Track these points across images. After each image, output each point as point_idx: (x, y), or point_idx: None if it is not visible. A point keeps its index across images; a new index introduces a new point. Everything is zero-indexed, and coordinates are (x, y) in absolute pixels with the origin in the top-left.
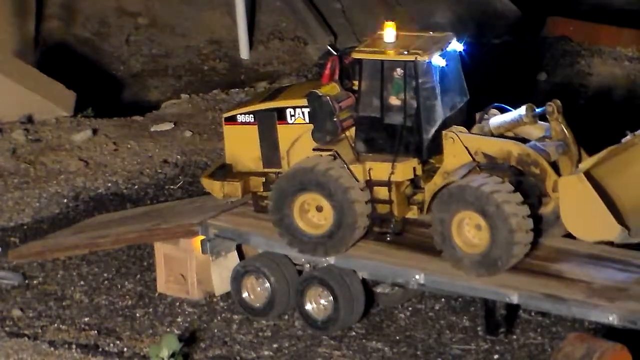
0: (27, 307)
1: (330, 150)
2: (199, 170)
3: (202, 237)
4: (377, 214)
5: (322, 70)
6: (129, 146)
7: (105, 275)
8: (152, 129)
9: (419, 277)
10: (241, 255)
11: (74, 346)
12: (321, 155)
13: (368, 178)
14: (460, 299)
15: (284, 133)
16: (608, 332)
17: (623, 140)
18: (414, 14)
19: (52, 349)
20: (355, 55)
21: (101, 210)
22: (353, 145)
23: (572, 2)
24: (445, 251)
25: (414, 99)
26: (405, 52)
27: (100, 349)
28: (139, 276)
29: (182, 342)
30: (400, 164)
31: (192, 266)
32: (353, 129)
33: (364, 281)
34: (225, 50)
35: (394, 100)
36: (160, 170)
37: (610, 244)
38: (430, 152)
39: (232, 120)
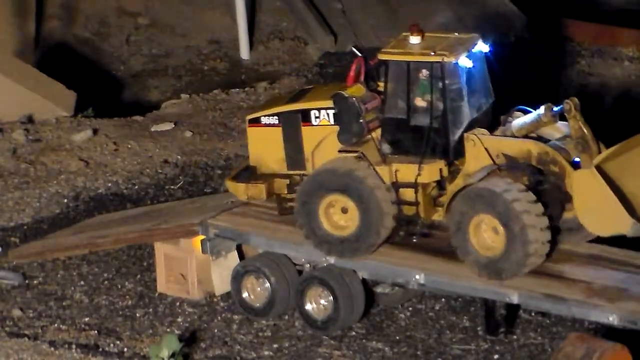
0: (27, 307)
1: (356, 151)
2: (199, 171)
3: (203, 237)
4: (404, 216)
5: (323, 70)
6: (129, 146)
7: (106, 275)
8: (152, 129)
9: (419, 277)
10: (241, 255)
11: (74, 346)
12: (358, 159)
13: (394, 180)
14: (460, 299)
15: (308, 135)
16: (608, 332)
17: None
18: (415, 14)
19: (52, 349)
20: (381, 57)
21: (101, 210)
22: (379, 147)
23: (573, 3)
24: (455, 240)
25: (440, 101)
26: (432, 53)
27: (100, 349)
28: (139, 276)
29: (182, 342)
30: (426, 165)
31: (193, 266)
32: (379, 131)
33: (364, 281)
34: (225, 50)
35: (420, 102)
36: (160, 171)
37: (623, 239)
38: (456, 153)
39: (255, 122)
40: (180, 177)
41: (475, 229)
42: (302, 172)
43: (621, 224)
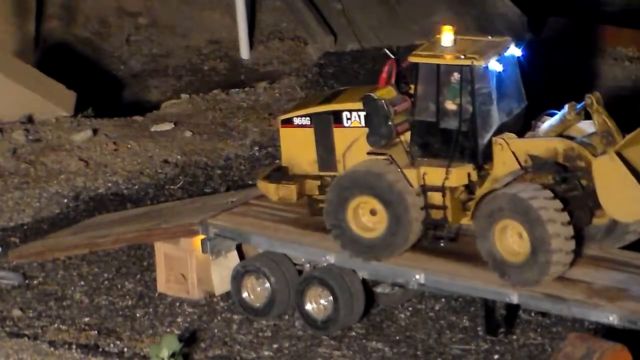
0: (27, 307)
1: (384, 154)
2: (199, 171)
3: (203, 237)
4: (431, 220)
5: (323, 70)
6: (129, 146)
7: (106, 275)
8: (152, 129)
9: (419, 277)
10: (241, 255)
11: (74, 346)
12: (389, 162)
13: (422, 183)
14: (460, 299)
15: (340, 136)
16: (608, 332)
17: None
18: (414, 14)
19: (52, 349)
20: (412, 59)
21: (101, 210)
22: (408, 149)
23: (572, 2)
24: (480, 245)
25: (469, 104)
26: (462, 57)
27: (100, 349)
28: (139, 276)
29: (182, 342)
30: (454, 169)
31: (193, 266)
32: (408, 133)
33: (364, 281)
34: (225, 50)
35: (450, 105)
36: (160, 171)
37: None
38: (485, 157)
39: (288, 122)
40: (180, 177)
41: (500, 234)
42: (333, 173)
43: None
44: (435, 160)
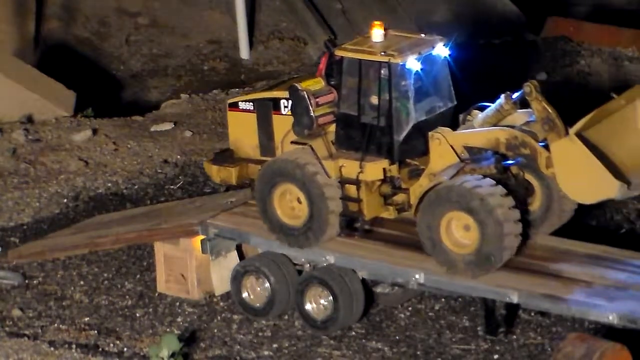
0: (27, 307)
1: (305, 144)
2: (199, 170)
3: (202, 237)
4: (349, 212)
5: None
6: (129, 146)
7: (105, 275)
8: (152, 129)
9: (419, 277)
10: (241, 255)
11: (74, 346)
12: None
13: (340, 175)
14: (460, 299)
15: (278, 123)
16: (608, 332)
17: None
18: (414, 13)
19: (52, 349)
20: (338, 53)
21: (101, 210)
22: (332, 141)
23: (572, 2)
24: (437, 256)
25: (387, 100)
26: (382, 53)
27: (100, 349)
28: (139, 276)
29: (182, 342)
30: (369, 163)
31: (192, 266)
32: (334, 125)
33: (363, 281)
34: (225, 50)
35: (371, 100)
36: (160, 170)
37: (622, 238)
38: (403, 153)
39: (234, 106)
40: (180, 177)
41: (446, 227)
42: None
43: (607, 188)
44: (353, 153)
